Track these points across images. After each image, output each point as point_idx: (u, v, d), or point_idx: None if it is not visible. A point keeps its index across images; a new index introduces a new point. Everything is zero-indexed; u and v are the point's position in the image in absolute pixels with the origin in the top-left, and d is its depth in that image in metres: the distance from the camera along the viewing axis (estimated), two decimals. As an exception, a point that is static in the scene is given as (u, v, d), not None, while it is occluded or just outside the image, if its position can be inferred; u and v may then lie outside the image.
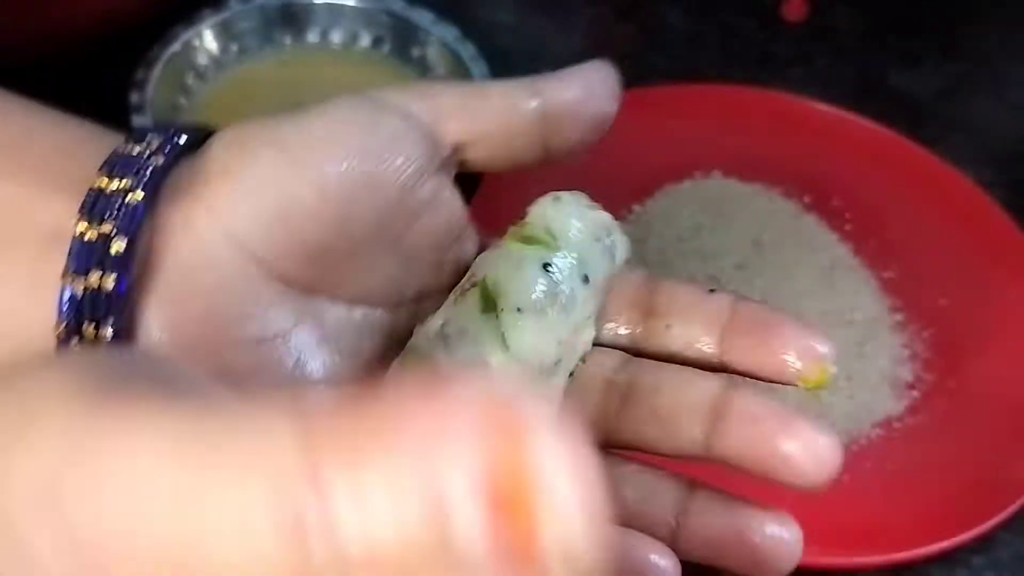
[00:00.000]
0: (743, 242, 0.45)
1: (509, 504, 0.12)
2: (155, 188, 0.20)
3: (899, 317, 0.44)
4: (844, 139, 0.51)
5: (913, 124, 0.54)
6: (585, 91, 0.23)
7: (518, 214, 0.24)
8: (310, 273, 0.21)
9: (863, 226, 0.48)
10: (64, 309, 0.19)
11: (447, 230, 0.23)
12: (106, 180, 0.20)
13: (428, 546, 0.12)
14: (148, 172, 0.20)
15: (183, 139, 0.21)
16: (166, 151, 0.21)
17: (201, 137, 0.22)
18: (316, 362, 0.21)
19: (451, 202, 0.23)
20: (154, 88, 0.45)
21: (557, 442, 0.12)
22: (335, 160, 0.21)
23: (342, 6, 0.52)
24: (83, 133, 0.22)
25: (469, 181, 0.24)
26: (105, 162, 0.20)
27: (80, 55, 0.36)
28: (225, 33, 0.50)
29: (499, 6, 0.60)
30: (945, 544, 0.36)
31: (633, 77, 0.57)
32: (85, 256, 0.19)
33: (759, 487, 0.39)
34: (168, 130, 0.21)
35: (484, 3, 0.60)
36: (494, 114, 0.23)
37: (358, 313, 0.22)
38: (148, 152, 0.20)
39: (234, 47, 0.49)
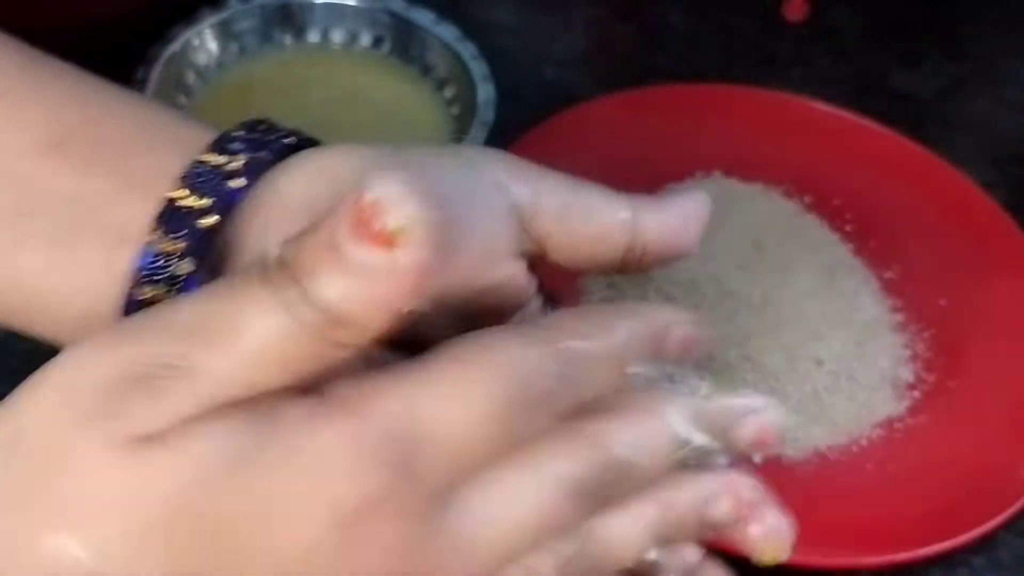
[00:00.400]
0: (744, 242, 0.45)
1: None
2: (230, 207, 0.20)
3: (900, 317, 0.44)
4: (845, 139, 0.51)
5: (914, 124, 0.54)
6: (679, 225, 0.24)
7: None
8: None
9: (864, 226, 0.48)
10: (129, 310, 0.20)
11: (512, 308, 0.23)
12: (183, 193, 0.20)
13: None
14: (228, 194, 0.20)
15: (271, 153, 0.21)
16: (250, 172, 0.20)
17: (287, 149, 0.21)
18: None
19: (523, 289, 0.23)
20: (154, 87, 0.45)
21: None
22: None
23: (342, 6, 0.52)
24: (164, 121, 0.22)
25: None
26: (187, 173, 0.20)
27: (79, 54, 0.36)
28: (225, 33, 0.49)
29: (499, 6, 0.59)
30: (946, 545, 0.36)
31: (633, 77, 0.58)
32: (157, 270, 0.20)
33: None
34: (257, 139, 0.21)
35: (484, 3, 0.60)
36: (589, 226, 0.23)
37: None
38: (231, 170, 0.20)
39: (234, 47, 0.49)
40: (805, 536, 0.37)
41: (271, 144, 0.22)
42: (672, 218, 0.24)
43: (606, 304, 0.21)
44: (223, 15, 0.49)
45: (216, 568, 0.16)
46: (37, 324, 0.22)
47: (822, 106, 0.52)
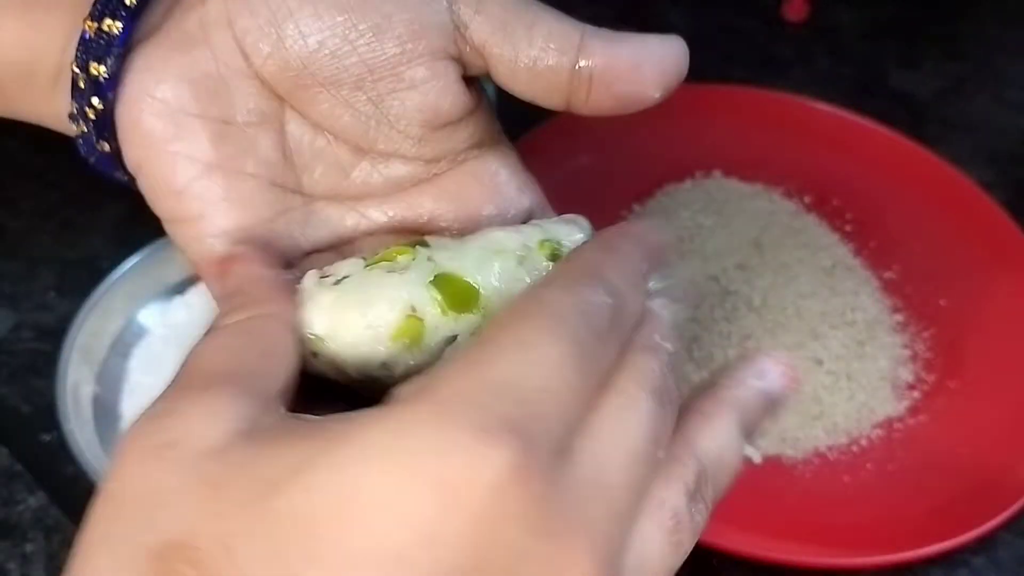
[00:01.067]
0: (744, 242, 0.45)
1: None
2: None
3: (899, 317, 0.44)
4: (845, 139, 0.51)
5: (913, 124, 0.54)
6: (632, 62, 0.22)
7: None
8: (287, 84, 0.22)
9: (864, 226, 0.48)
10: (80, 47, 0.22)
11: (435, 113, 0.22)
12: None
13: None
14: None
15: None
16: None
17: None
18: (257, 158, 0.23)
19: (449, 91, 0.22)
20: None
21: None
22: (344, 6, 0.21)
23: None
24: None
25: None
26: None
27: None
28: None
29: (499, 6, 0.60)
30: (946, 544, 0.36)
31: (634, 77, 0.57)
32: (104, 4, 0.22)
33: (762, 490, 0.39)
34: None
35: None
36: (527, 44, 0.22)
37: (321, 138, 0.23)
38: None
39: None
40: (805, 536, 0.37)
41: None
42: (626, 52, 0.22)
43: (606, 231, 0.20)
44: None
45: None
46: (6, 92, 0.24)
47: (822, 106, 0.52)
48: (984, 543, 0.38)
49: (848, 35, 0.61)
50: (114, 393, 0.39)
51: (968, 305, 0.45)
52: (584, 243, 0.22)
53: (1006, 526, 0.38)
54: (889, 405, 0.41)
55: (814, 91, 0.55)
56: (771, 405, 0.22)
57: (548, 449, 0.16)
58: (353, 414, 0.17)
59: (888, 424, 0.41)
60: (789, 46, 0.59)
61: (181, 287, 0.42)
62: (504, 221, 0.24)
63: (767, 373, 0.22)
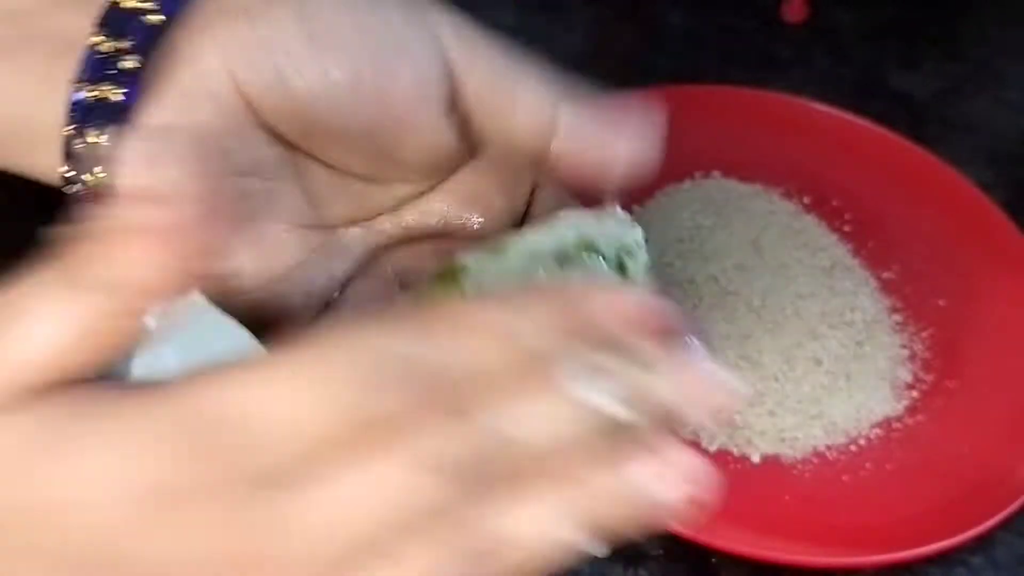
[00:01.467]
0: (743, 242, 0.45)
1: None
2: (172, 13, 0.20)
3: (898, 317, 0.44)
4: (844, 140, 0.51)
5: (913, 125, 0.54)
6: (600, 140, 0.22)
7: None
8: (297, 134, 0.22)
9: (862, 227, 0.48)
10: (73, 111, 0.20)
11: (439, 155, 0.23)
12: None
13: None
14: None
15: None
16: None
17: None
18: (285, 207, 0.22)
19: (452, 135, 0.23)
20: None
21: None
22: (350, 51, 0.21)
23: None
24: None
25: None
26: None
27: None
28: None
29: (499, 6, 0.60)
30: (944, 544, 0.36)
31: (633, 77, 0.58)
32: (99, 66, 0.20)
33: (760, 489, 0.39)
34: None
35: (484, 3, 0.60)
36: (512, 115, 0.22)
37: (336, 175, 0.23)
38: None
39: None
40: (804, 535, 0.37)
41: None
42: (596, 134, 0.22)
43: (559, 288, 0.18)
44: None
45: (6, 564, 0.16)
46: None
47: (821, 107, 0.52)
48: (982, 542, 0.38)
49: (847, 36, 0.61)
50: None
51: (967, 305, 0.45)
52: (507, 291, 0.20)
53: (1004, 526, 0.38)
54: (888, 405, 0.41)
55: (813, 92, 0.55)
56: (649, 507, 0.17)
57: (252, 478, 0.16)
58: (102, 394, 0.17)
59: (887, 424, 0.41)
60: (788, 47, 0.59)
61: (182, 287, 0.42)
62: (514, 207, 0.24)
63: (672, 471, 0.17)
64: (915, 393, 0.42)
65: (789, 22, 0.61)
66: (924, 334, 0.44)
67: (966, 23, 0.62)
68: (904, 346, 0.43)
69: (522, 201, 0.24)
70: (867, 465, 0.39)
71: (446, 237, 0.24)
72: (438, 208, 0.24)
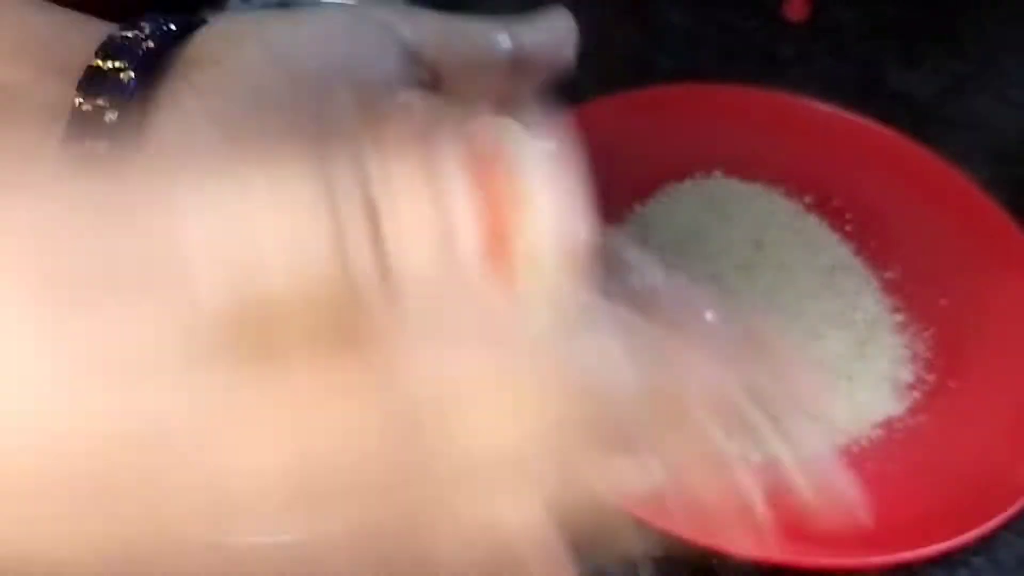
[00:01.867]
0: (744, 242, 0.45)
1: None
2: (147, 69, 0.22)
3: (900, 317, 0.44)
4: (845, 139, 0.51)
5: (914, 124, 0.54)
6: (551, 38, 0.25)
7: None
8: None
9: (864, 226, 0.48)
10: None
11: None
12: (102, 61, 0.22)
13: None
14: (140, 54, 0.22)
15: (173, 27, 0.23)
16: (157, 36, 0.23)
17: (191, 25, 0.23)
18: None
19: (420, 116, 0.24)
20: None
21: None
22: (315, 61, 0.23)
23: (342, 6, 0.52)
24: (79, 21, 0.24)
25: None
26: (101, 46, 0.22)
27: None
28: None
29: (499, 7, 0.59)
30: (946, 545, 0.36)
31: (634, 77, 0.58)
32: (81, 125, 0.22)
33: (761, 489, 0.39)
34: (159, 19, 0.23)
35: (484, 3, 0.60)
36: (470, 49, 0.24)
37: None
38: (141, 37, 0.23)
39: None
40: (805, 537, 0.37)
41: (173, 21, 0.24)
42: (545, 32, 0.25)
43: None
44: (224, 16, 0.50)
45: None
46: None
47: (822, 106, 0.52)
48: (985, 543, 0.38)
49: (848, 35, 0.61)
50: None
51: (969, 305, 0.45)
52: None
53: (1007, 526, 0.38)
54: (889, 405, 0.41)
55: (814, 91, 0.55)
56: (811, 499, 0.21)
57: None
58: None
59: (888, 424, 0.41)
60: (789, 46, 0.59)
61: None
62: None
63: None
64: (917, 393, 0.42)
65: (790, 21, 0.61)
66: (926, 334, 0.44)
67: (967, 21, 0.62)
68: (906, 346, 0.43)
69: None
70: (869, 465, 0.39)
71: None
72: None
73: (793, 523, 0.37)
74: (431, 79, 0.24)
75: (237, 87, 0.22)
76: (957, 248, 0.47)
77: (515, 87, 0.25)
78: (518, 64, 0.25)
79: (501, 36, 0.24)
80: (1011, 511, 0.37)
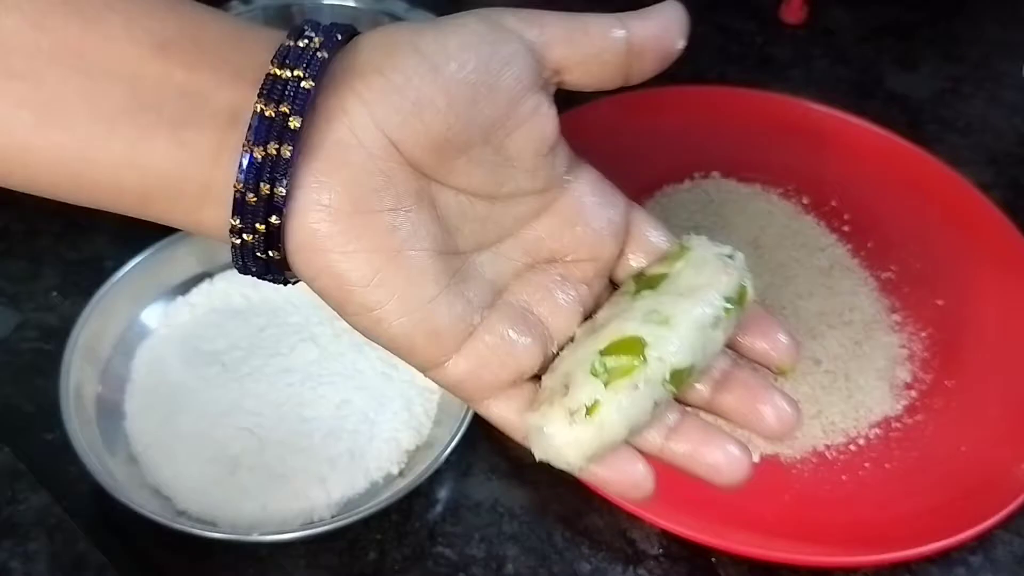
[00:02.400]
0: (742, 242, 0.45)
1: None
2: (320, 77, 0.24)
3: (897, 317, 0.44)
4: (843, 141, 0.51)
5: (911, 126, 0.55)
6: (663, 27, 0.27)
7: None
8: (432, 161, 0.25)
9: (861, 227, 0.48)
10: (245, 170, 0.24)
11: (543, 140, 0.26)
12: (279, 70, 0.24)
13: None
14: (316, 64, 0.24)
15: (340, 37, 0.25)
16: (329, 47, 0.25)
17: (351, 35, 0.26)
18: (425, 233, 0.25)
19: (548, 117, 0.26)
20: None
21: None
22: (464, 70, 0.25)
23: (343, 7, 0.52)
24: (247, 27, 0.26)
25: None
26: (276, 54, 0.24)
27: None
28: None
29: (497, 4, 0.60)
30: (943, 543, 0.36)
31: (633, 79, 0.57)
32: (265, 130, 0.24)
33: (760, 488, 0.39)
34: (327, 28, 0.25)
35: (484, 6, 0.60)
36: (591, 44, 0.26)
37: (463, 199, 0.26)
38: (313, 47, 0.25)
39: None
40: (803, 534, 0.37)
41: (337, 28, 0.26)
42: (657, 22, 0.27)
43: None
44: (225, 17, 0.50)
45: None
46: (156, 207, 0.25)
47: (820, 107, 0.53)
48: (981, 542, 0.38)
49: (846, 37, 0.61)
50: (117, 393, 0.39)
51: (965, 305, 0.45)
52: None
53: (1003, 525, 0.38)
54: (887, 404, 0.41)
55: (812, 92, 0.55)
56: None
57: None
58: None
59: (886, 423, 0.41)
60: (787, 48, 0.60)
61: (184, 287, 0.42)
62: (614, 229, 0.28)
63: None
64: (914, 393, 0.42)
65: (787, 24, 0.61)
66: (923, 334, 0.44)
67: (963, 24, 0.62)
68: (903, 346, 0.43)
69: (620, 219, 0.28)
70: (866, 464, 0.39)
71: (562, 262, 0.28)
72: (551, 229, 0.27)
73: (792, 522, 0.37)
74: (557, 77, 0.26)
75: (398, 95, 0.24)
76: (953, 249, 0.47)
77: (631, 74, 0.27)
78: (633, 54, 0.26)
79: (617, 30, 0.26)
80: (1008, 510, 0.37)
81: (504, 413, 0.26)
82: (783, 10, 0.61)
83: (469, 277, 0.26)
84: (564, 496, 0.38)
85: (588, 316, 0.27)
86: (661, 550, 0.37)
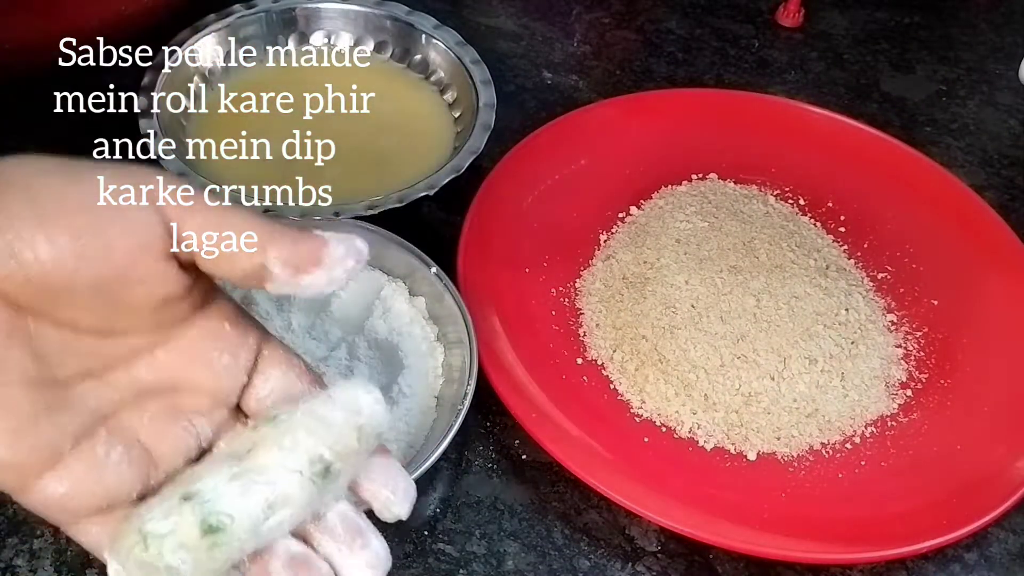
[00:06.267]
0: (739, 243, 0.45)
1: None
2: None
3: (892, 317, 0.45)
4: (839, 143, 0.52)
5: (906, 128, 0.55)
6: (312, 257, 0.26)
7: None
8: (29, 299, 0.24)
9: (857, 228, 0.48)
10: None
11: (163, 299, 0.26)
12: None
13: None
14: None
15: None
16: None
17: None
18: (13, 367, 0.24)
19: (172, 280, 0.26)
20: (159, 93, 0.46)
21: None
22: (75, 232, 0.24)
23: (345, 11, 0.52)
24: None
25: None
26: None
27: (87, 60, 0.37)
28: (230, 38, 0.50)
29: (500, 12, 0.60)
30: (939, 540, 0.37)
31: (632, 82, 0.58)
32: None
33: (757, 487, 0.39)
34: None
35: (485, 9, 0.60)
36: (219, 254, 0.26)
37: (67, 333, 0.25)
38: None
39: (239, 52, 0.50)
40: (801, 532, 0.37)
41: None
42: (305, 246, 0.26)
43: None
44: (227, 21, 0.50)
45: None
46: None
47: (816, 110, 0.53)
48: (977, 539, 0.38)
49: (841, 40, 0.61)
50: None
51: (960, 305, 0.45)
52: None
53: (998, 522, 0.38)
54: (882, 403, 0.42)
55: (808, 95, 0.56)
56: None
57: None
58: None
59: (881, 422, 0.41)
60: (784, 51, 0.60)
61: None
62: (238, 365, 0.28)
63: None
64: (909, 392, 0.42)
65: (784, 27, 0.61)
66: (918, 334, 0.44)
67: (958, 27, 0.63)
68: (898, 345, 0.44)
69: (246, 361, 0.28)
70: (862, 463, 0.40)
71: (177, 393, 0.27)
72: (168, 362, 0.27)
73: (788, 520, 0.38)
74: (184, 258, 0.26)
75: None
76: (949, 249, 0.47)
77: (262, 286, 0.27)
78: (267, 271, 0.26)
79: (254, 252, 0.26)
80: (1003, 507, 0.37)
81: (96, 539, 0.26)
82: (779, 14, 0.62)
83: (67, 406, 0.25)
84: (564, 493, 0.39)
85: (209, 446, 0.28)
86: (659, 547, 0.37)
